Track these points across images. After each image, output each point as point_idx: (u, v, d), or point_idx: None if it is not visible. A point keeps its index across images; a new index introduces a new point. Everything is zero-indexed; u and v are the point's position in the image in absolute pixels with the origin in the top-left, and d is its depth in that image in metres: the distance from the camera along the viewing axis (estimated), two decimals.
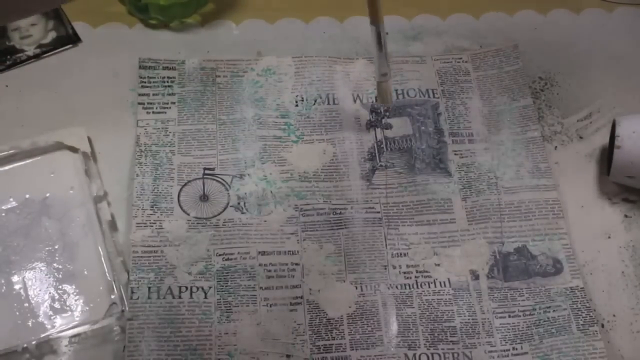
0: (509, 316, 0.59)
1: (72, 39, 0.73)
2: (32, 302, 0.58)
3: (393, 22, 0.76)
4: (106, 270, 0.59)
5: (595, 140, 0.70)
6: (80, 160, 0.64)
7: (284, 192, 0.64)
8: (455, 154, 0.67)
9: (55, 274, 0.59)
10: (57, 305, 0.58)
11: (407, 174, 0.66)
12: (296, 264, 0.61)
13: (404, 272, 0.61)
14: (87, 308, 0.58)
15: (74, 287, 0.59)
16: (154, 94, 0.68)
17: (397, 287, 0.60)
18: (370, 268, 0.61)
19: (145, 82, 0.69)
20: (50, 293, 0.58)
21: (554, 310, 0.59)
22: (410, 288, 0.60)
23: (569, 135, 0.70)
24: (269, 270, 0.61)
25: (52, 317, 0.57)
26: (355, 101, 0.70)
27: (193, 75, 0.70)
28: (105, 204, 0.62)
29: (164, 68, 0.70)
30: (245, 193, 0.64)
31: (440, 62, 0.73)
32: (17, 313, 0.57)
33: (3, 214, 0.62)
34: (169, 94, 0.69)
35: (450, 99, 0.70)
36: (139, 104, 0.68)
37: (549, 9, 0.79)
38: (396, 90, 0.70)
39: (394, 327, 0.59)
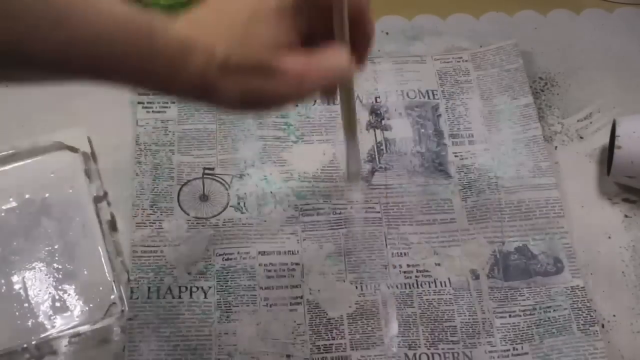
0: (510, 316, 0.59)
1: None
2: (32, 302, 0.58)
3: (393, 22, 0.77)
4: (106, 270, 0.59)
5: (595, 140, 0.70)
6: (80, 160, 0.64)
7: (284, 192, 0.64)
8: (455, 156, 0.67)
9: (55, 274, 0.59)
10: (57, 305, 0.58)
11: (407, 177, 0.66)
12: (296, 264, 0.61)
13: (404, 272, 0.61)
14: (87, 308, 0.58)
15: (73, 287, 0.59)
16: (153, 93, 0.68)
17: (397, 286, 0.60)
18: (370, 268, 0.61)
19: None
20: (50, 293, 0.58)
21: (554, 310, 0.59)
22: (410, 288, 0.60)
23: (569, 136, 0.70)
24: (269, 270, 0.61)
25: (52, 317, 0.57)
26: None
27: None
28: (105, 203, 0.62)
29: None
30: (245, 193, 0.64)
31: (441, 62, 0.73)
32: (17, 313, 0.57)
33: (3, 214, 0.62)
34: None
35: (450, 100, 0.70)
36: (139, 102, 0.68)
37: (549, 9, 0.79)
38: (396, 91, 0.70)
39: (394, 326, 0.58)
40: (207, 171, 0.65)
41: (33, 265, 0.60)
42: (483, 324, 0.59)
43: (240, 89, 0.40)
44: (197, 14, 0.41)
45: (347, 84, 0.47)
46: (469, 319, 0.59)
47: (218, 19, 0.41)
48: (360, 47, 0.45)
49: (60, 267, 0.60)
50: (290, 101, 0.43)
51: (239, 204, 0.64)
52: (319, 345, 0.58)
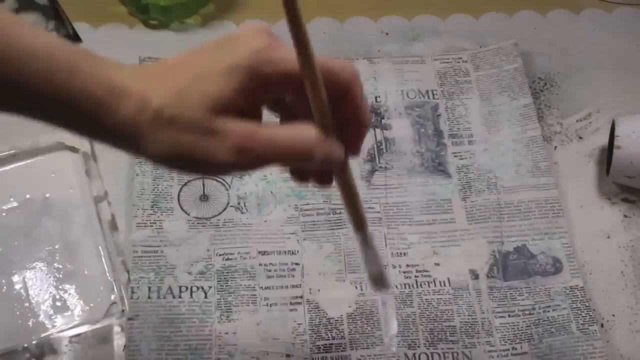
0: (509, 316, 0.59)
1: (73, 39, 0.73)
2: (33, 301, 0.58)
3: (393, 22, 0.77)
4: (106, 270, 0.59)
5: (594, 141, 0.70)
6: (80, 160, 0.64)
7: (284, 192, 0.65)
8: (454, 156, 0.67)
9: (56, 273, 0.59)
10: (57, 304, 0.58)
11: (406, 176, 0.66)
12: (296, 264, 0.61)
13: (404, 272, 0.61)
14: (88, 308, 0.58)
15: (74, 286, 0.59)
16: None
17: (397, 286, 0.60)
18: None
19: None
20: (50, 293, 0.59)
21: (553, 310, 0.59)
22: (410, 287, 0.61)
23: (568, 136, 0.70)
24: (269, 270, 0.61)
25: (52, 317, 0.58)
26: None
27: None
28: (105, 203, 0.62)
29: None
30: (246, 193, 0.64)
31: (440, 62, 0.73)
32: (18, 313, 0.58)
33: (4, 214, 0.62)
34: None
35: (450, 100, 0.71)
36: None
37: (549, 9, 0.79)
38: (396, 91, 0.71)
39: (394, 326, 0.59)
40: None
41: (34, 264, 0.60)
42: (482, 323, 0.59)
43: (170, 141, 0.37)
44: (146, 67, 0.41)
45: (343, 174, 0.41)
46: (468, 318, 0.59)
47: (164, 73, 0.39)
48: (352, 132, 0.40)
49: (60, 266, 0.60)
50: (227, 167, 0.38)
51: (239, 204, 0.64)
52: (318, 345, 0.58)
